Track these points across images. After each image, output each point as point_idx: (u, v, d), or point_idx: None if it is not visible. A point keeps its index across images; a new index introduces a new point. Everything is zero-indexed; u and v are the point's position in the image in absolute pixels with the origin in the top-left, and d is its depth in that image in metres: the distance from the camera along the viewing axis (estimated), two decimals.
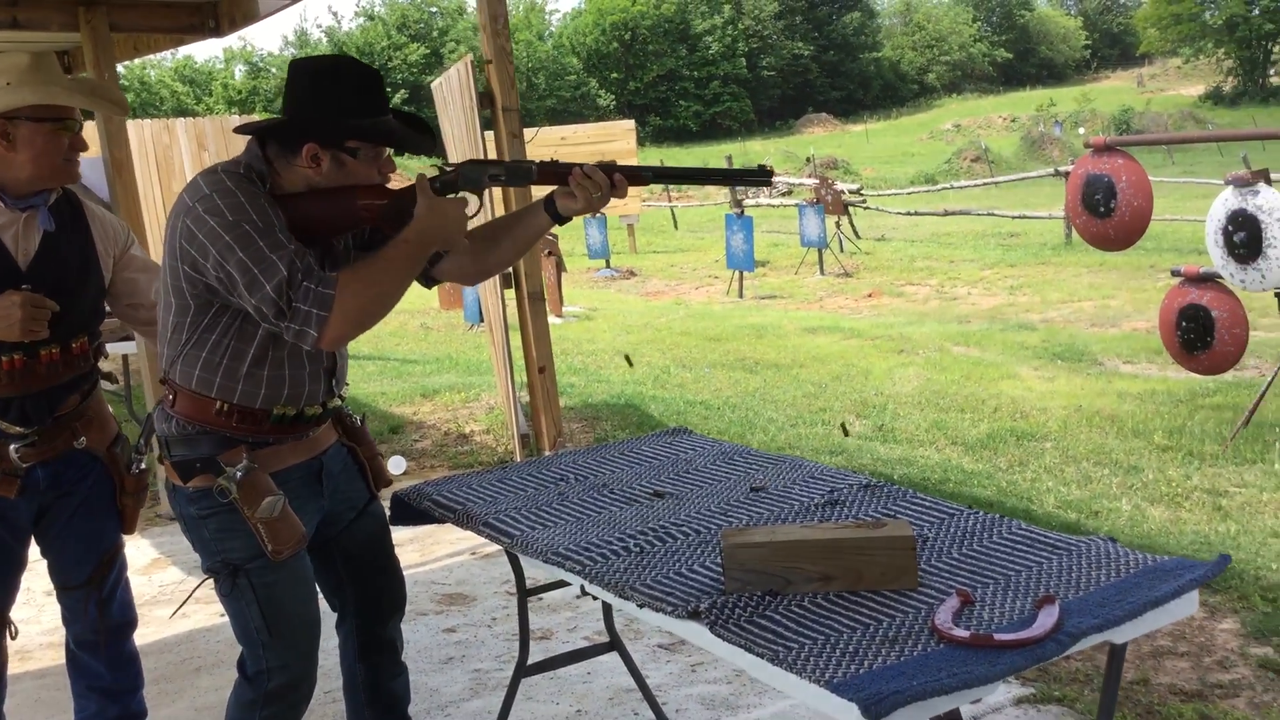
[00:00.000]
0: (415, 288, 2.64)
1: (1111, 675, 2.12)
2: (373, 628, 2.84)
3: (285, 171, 2.42)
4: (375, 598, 2.82)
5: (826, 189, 17.12)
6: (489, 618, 4.42)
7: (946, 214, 20.96)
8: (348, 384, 2.71)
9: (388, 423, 7.64)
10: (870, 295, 14.05)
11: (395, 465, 5.56)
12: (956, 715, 1.89)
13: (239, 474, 2.41)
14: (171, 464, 2.49)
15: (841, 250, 17.26)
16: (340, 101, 2.39)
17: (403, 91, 52.35)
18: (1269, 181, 6.05)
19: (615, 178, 2.49)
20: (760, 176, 2.63)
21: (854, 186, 23.24)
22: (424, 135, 2.53)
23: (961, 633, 1.92)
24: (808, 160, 31.77)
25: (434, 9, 69.94)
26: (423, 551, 5.18)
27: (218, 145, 10.82)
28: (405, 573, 2.94)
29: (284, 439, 2.54)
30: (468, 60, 5.64)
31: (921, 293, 13.92)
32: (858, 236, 19.16)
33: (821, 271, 16.02)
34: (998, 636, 1.89)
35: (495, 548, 5.03)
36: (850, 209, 19.45)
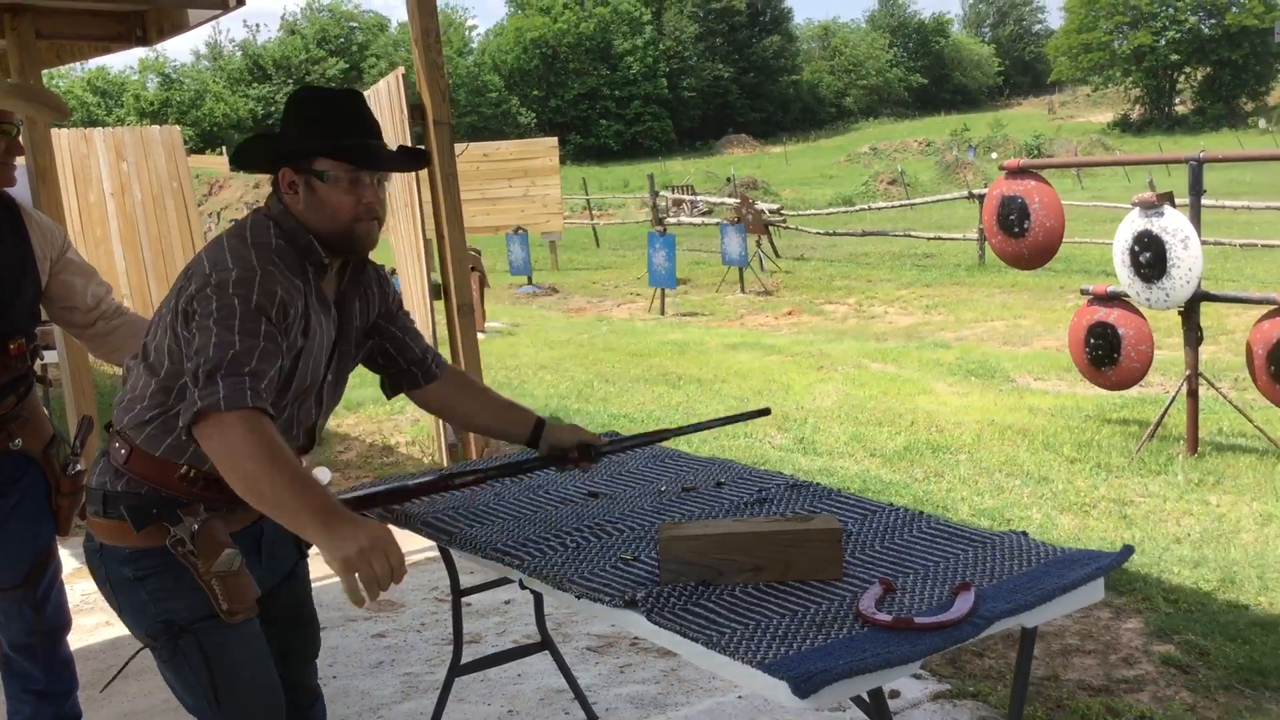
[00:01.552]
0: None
1: (1023, 657, 2.24)
2: (287, 676, 2.61)
3: (292, 208, 2.28)
4: (291, 651, 2.63)
5: (748, 208, 17.37)
6: (418, 623, 4.46)
7: (864, 234, 21.40)
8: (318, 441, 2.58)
9: None
10: (790, 313, 14.27)
11: (321, 476, 5.56)
12: (880, 693, 2.00)
13: (195, 525, 2.23)
14: (118, 518, 2.26)
15: (762, 269, 17.50)
16: (306, 119, 2.25)
17: None
18: (1173, 204, 6.31)
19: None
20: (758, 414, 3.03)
21: (774, 206, 23.58)
22: (411, 158, 2.43)
23: (884, 617, 2.03)
24: (728, 180, 32.18)
25: (354, 24, 69.57)
26: None
27: (136, 156, 10.68)
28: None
29: (242, 506, 2.22)
30: (399, 72, 5.70)
31: (840, 311, 14.18)
32: (778, 256, 19.43)
33: (742, 289, 16.24)
34: (918, 620, 2.00)
35: (423, 555, 5.11)
36: (770, 228, 19.74)
